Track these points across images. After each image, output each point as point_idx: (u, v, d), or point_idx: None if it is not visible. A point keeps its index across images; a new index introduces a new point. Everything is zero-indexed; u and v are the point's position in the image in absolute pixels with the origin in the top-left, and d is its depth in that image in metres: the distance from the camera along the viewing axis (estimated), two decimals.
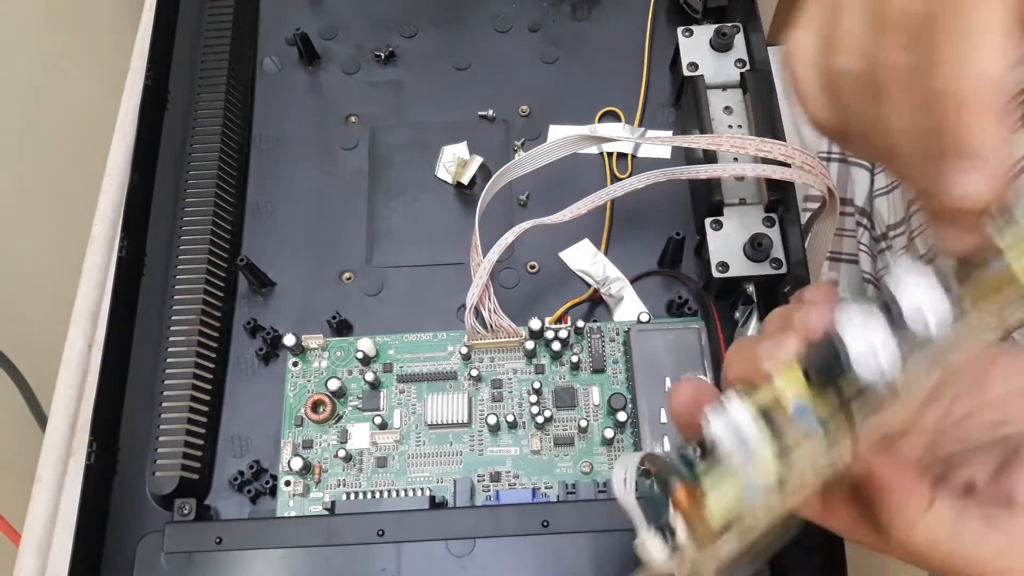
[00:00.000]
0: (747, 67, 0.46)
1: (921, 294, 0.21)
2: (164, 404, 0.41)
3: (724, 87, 0.46)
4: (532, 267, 0.46)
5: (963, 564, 0.23)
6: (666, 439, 0.39)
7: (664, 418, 0.40)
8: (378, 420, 0.41)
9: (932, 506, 0.23)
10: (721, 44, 0.47)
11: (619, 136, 0.47)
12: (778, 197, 0.43)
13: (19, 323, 0.63)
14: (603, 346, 0.43)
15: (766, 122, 0.44)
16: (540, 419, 0.41)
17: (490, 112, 0.50)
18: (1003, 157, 0.19)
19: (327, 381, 0.41)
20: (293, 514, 0.40)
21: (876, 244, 0.57)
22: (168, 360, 0.42)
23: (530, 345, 0.42)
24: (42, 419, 0.60)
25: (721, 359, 0.43)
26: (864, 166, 0.58)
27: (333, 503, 0.40)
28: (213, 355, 0.43)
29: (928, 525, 0.23)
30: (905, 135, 0.21)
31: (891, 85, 0.21)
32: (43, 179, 0.70)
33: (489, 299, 0.41)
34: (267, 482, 0.41)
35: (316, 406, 0.42)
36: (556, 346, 0.42)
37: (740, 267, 0.42)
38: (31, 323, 0.63)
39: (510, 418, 0.41)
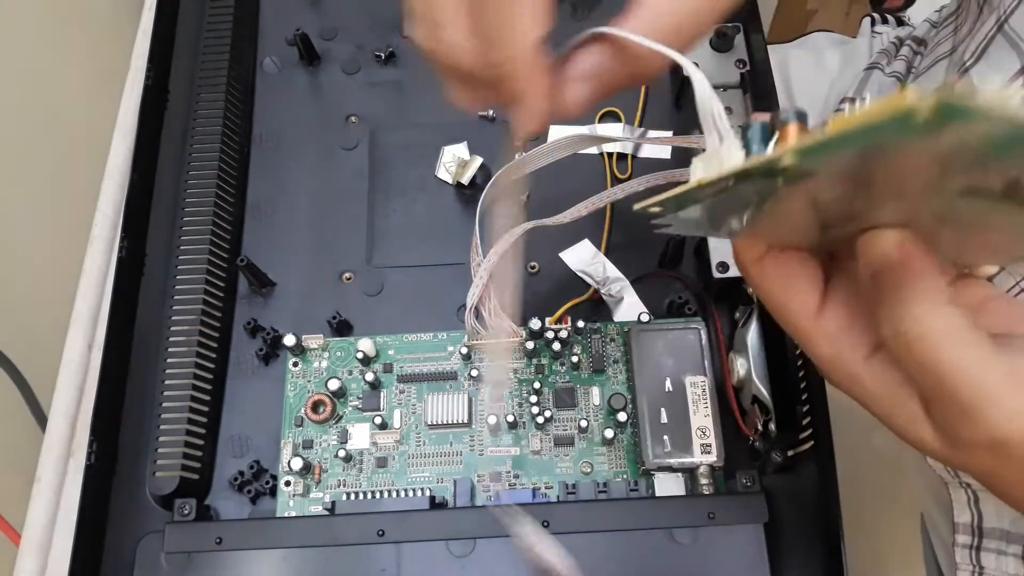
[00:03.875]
0: (747, 67, 0.46)
1: None
2: (164, 404, 0.41)
3: (724, 87, 0.46)
4: (532, 267, 0.46)
5: (962, 378, 0.21)
6: (666, 438, 0.39)
7: (664, 418, 0.40)
8: (378, 420, 0.41)
9: (949, 303, 0.22)
10: (721, 44, 0.47)
11: (619, 136, 0.47)
12: None
13: (19, 323, 0.63)
14: (603, 346, 0.43)
15: None
16: (540, 419, 0.41)
17: (490, 112, 0.50)
18: (544, 105, 0.27)
19: (327, 381, 0.41)
20: (293, 514, 0.40)
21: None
22: (168, 360, 0.42)
23: (530, 345, 0.42)
24: (42, 419, 0.60)
25: (722, 359, 0.43)
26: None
27: (333, 503, 0.40)
28: (213, 355, 0.43)
29: (941, 320, 0.21)
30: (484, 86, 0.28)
31: (462, 59, 0.27)
32: (43, 179, 0.70)
33: (489, 299, 0.41)
34: (267, 482, 0.41)
35: (316, 406, 0.42)
36: (556, 346, 0.42)
37: None
38: (31, 323, 0.63)
39: (510, 418, 0.41)
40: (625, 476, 0.41)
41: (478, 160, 0.47)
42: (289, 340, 0.42)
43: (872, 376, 0.24)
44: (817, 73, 0.63)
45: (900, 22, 0.64)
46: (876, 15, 0.64)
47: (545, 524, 0.37)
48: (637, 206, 0.24)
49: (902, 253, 0.22)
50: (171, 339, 0.42)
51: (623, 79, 0.27)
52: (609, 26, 0.26)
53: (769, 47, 0.46)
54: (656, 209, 0.24)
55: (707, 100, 0.24)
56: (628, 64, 0.27)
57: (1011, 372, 0.22)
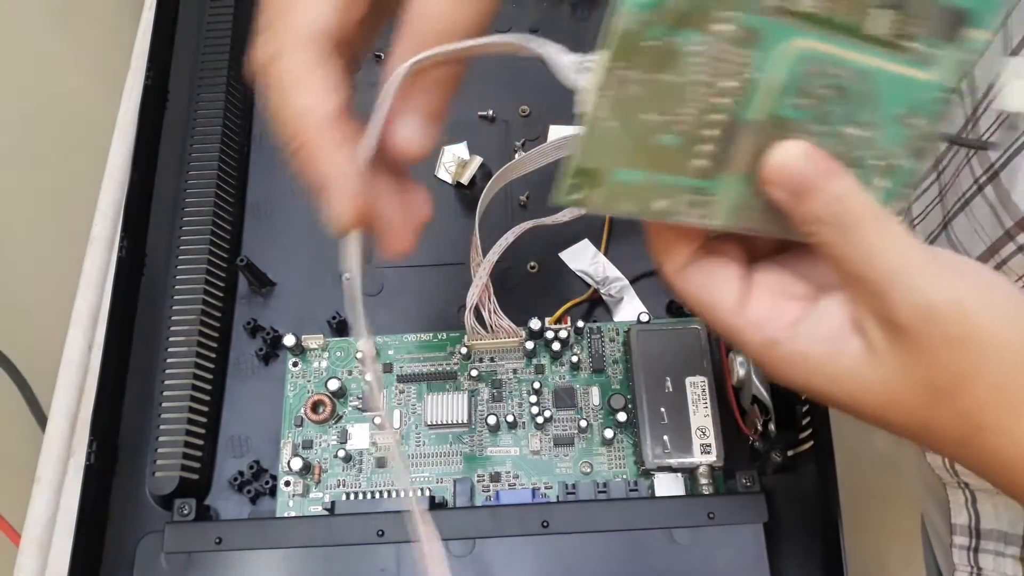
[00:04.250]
0: None
1: None
2: (164, 404, 0.41)
3: None
4: (532, 267, 0.46)
5: (889, 253, 0.23)
6: (666, 438, 0.39)
7: (664, 418, 0.40)
8: (378, 420, 0.41)
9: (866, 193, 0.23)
10: None
11: None
12: None
13: (19, 323, 0.63)
14: (603, 346, 0.43)
15: None
16: (540, 419, 0.41)
17: (490, 112, 0.50)
18: (349, 184, 0.21)
19: (327, 381, 0.42)
20: (293, 514, 0.40)
21: None
22: (168, 360, 0.42)
23: (530, 345, 0.42)
24: (42, 419, 0.60)
25: (722, 359, 0.43)
26: None
27: (333, 503, 0.40)
28: (213, 355, 0.43)
29: (865, 207, 0.23)
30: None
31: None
32: (43, 179, 0.70)
33: (489, 299, 0.41)
34: (267, 482, 0.41)
35: (316, 406, 0.42)
36: (556, 346, 0.42)
37: None
38: (31, 323, 0.63)
39: (510, 418, 0.41)
40: (625, 476, 0.41)
41: (478, 160, 0.47)
42: (289, 340, 0.42)
43: (807, 341, 0.25)
44: None
45: None
46: None
47: (545, 524, 0.37)
48: (558, 199, 0.23)
49: (812, 162, 0.23)
50: (171, 339, 0.42)
51: (445, 91, 0.25)
52: (410, 58, 0.24)
53: None
54: (576, 195, 0.23)
55: (555, 56, 0.23)
56: (442, 73, 0.25)
57: (931, 252, 0.23)
